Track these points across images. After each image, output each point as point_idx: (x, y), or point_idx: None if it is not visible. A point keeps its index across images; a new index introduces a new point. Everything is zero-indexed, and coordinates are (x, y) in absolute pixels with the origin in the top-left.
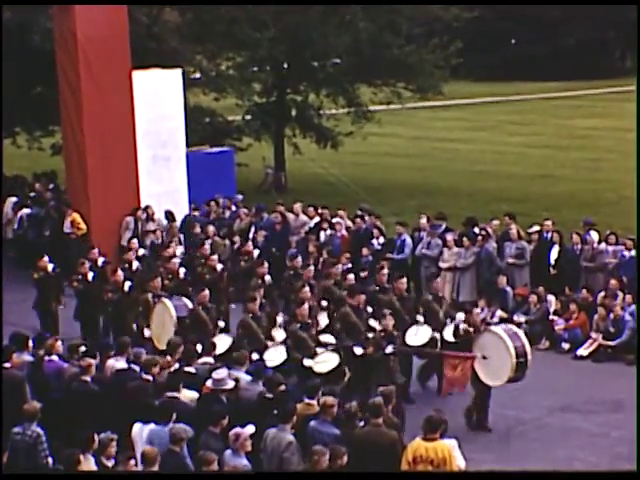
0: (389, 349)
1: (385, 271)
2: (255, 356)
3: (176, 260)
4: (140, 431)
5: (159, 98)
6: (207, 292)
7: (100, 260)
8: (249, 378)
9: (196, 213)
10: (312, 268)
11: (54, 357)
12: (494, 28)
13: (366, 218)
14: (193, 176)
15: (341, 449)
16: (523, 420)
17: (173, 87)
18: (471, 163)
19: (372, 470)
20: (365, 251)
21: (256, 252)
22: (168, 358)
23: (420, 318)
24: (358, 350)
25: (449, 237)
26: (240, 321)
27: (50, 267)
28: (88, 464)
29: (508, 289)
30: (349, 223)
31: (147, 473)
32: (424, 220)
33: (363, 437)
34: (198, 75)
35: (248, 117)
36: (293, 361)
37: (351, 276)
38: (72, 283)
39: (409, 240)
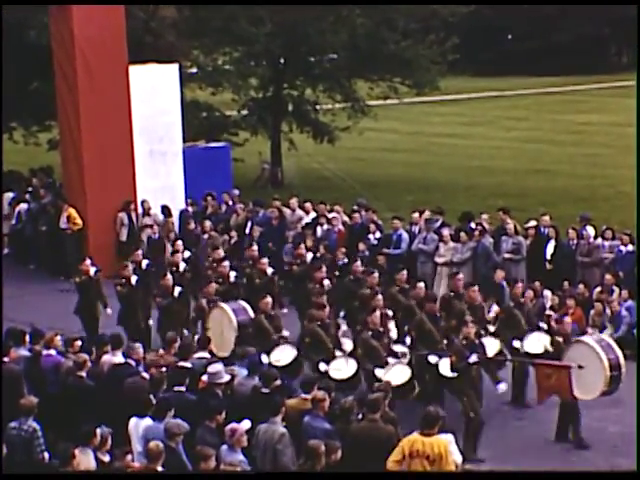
0: (473, 358)
1: (461, 276)
2: (323, 367)
3: (226, 263)
4: (135, 426)
5: (156, 93)
6: (270, 299)
7: (144, 262)
8: (245, 373)
9: (190, 209)
10: (377, 275)
11: (52, 351)
12: (490, 23)
13: (362, 213)
14: (189, 171)
15: (335, 444)
16: (520, 415)
17: (170, 82)
18: (468, 158)
19: (369, 465)
20: (362, 246)
21: (309, 255)
22: (161, 351)
23: (491, 327)
24: (433, 359)
25: (445, 232)
26: (306, 330)
27: (92, 270)
28: (86, 458)
29: (504, 284)
30: (345, 218)
31: (143, 471)
32: (416, 215)
33: (359, 432)
34: (195, 70)
35: (244, 112)
36: (364, 372)
37: (421, 285)
38: (116, 287)
39: (405, 235)
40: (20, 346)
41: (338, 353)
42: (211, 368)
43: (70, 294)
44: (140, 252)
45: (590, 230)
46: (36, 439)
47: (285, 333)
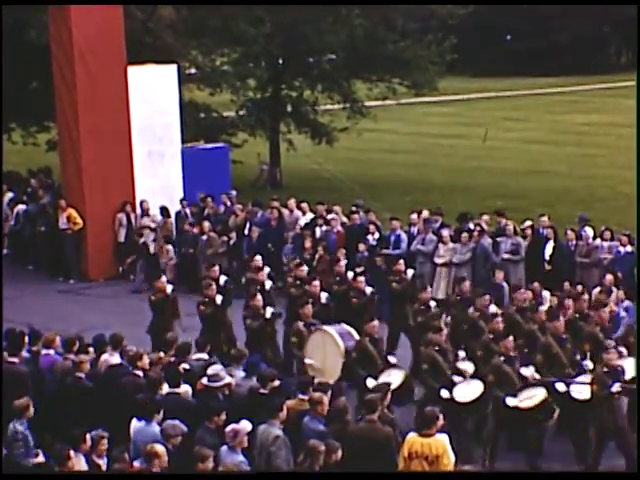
0: (616, 387)
1: (586, 297)
2: (445, 394)
3: (317, 282)
4: (133, 428)
5: (154, 94)
6: (376, 322)
7: (222, 279)
8: (243, 374)
9: (187, 210)
10: (488, 297)
11: (51, 351)
12: (489, 24)
13: (361, 214)
14: (188, 172)
15: (334, 444)
16: None
17: (168, 83)
18: (466, 159)
19: (367, 466)
20: (361, 247)
21: (410, 272)
22: (161, 354)
23: (624, 351)
24: (561, 387)
25: (444, 233)
26: (423, 355)
27: (169, 289)
28: (79, 461)
29: (504, 284)
30: (344, 219)
31: (140, 472)
32: (414, 216)
33: (357, 433)
34: (193, 70)
35: (242, 112)
36: (493, 398)
37: (543, 308)
38: (199, 307)
39: (404, 236)
40: (21, 347)
41: (456, 379)
42: (210, 370)
43: (69, 295)
44: (217, 268)
45: (589, 231)
46: (16, 441)
47: (392, 359)
